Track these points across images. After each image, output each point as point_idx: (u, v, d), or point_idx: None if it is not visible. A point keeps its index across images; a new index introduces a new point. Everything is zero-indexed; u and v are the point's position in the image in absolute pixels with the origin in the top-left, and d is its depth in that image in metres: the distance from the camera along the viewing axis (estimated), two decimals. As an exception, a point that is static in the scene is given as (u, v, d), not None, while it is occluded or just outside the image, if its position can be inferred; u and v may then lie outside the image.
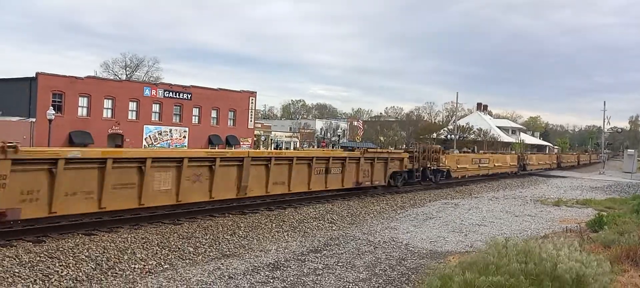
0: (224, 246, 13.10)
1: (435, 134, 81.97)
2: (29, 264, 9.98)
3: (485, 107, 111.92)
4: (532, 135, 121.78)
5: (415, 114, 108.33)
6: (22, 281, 9.28)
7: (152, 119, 52.10)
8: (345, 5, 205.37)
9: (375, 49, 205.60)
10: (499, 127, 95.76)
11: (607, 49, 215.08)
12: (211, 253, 12.42)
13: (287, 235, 14.97)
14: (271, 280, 10.21)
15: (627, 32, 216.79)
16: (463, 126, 78.74)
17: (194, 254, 12.19)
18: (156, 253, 11.79)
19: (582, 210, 23.43)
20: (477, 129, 79.71)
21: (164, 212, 15.05)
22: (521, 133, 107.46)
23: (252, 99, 62.19)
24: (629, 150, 65.77)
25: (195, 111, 55.71)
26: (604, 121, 70.55)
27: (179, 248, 12.32)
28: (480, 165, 38.41)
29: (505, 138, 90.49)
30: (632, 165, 54.06)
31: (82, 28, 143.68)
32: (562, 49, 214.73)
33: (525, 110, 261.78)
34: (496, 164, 41.32)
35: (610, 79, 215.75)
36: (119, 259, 11.04)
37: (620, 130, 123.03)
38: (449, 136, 73.82)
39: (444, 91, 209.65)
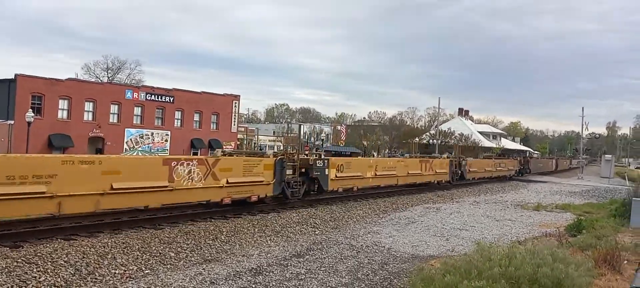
0: (206, 251, 13.01)
1: (417, 139, 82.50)
2: (6, 270, 9.78)
3: (467, 112, 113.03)
4: (513, 140, 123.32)
5: (398, 118, 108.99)
6: (-1, 287, 9.10)
7: (134, 122, 51.50)
8: (329, 10, 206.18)
9: (360, 53, 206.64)
10: (480, 132, 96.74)
11: (588, 55, 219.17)
12: (193, 259, 12.33)
13: (270, 240, 14.93)
14: (253, 286, 10.17)
15: (607, 38, 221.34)
16: (445, 131, 79.41)
17: (175, 259, 12.08)
18: (137, 258, 11.66)
19: (561, 215, 23.79)
20: (459, 133, 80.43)
21: (145, 216, 14.90)
22: (502, 138, 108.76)
23: (236, 103, 61.89)
24: (606, 155, 66.96)
25: (178, 114, 55.24)
26: (582, 127, 71.71)
27: (160, 253, 12.20)
28: (377, 173, 25.89)
29: (486, 143, 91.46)
30: (609, 170, 55.03)
31: (65, 30, 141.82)
32: (544, 55, 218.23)
33: (506, 116, 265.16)
34: (410, 172, 29.40)
35: (591, 85, 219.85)
36: (98, 264, 10.89)
37: (598, 136, 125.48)
38: (430, 141, 74.35)
39: (426, 96, 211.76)
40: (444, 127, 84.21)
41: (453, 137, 78.03)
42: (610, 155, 65.83)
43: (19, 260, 10.29)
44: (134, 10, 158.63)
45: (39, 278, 9.74)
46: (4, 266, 9.91)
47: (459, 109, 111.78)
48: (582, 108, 70.69)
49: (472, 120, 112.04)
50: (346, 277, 11.11)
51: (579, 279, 8.20)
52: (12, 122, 41.68)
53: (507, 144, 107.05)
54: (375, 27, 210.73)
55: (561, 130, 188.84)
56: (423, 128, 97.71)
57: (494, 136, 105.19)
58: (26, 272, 9.85)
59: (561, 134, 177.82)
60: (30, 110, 39.22)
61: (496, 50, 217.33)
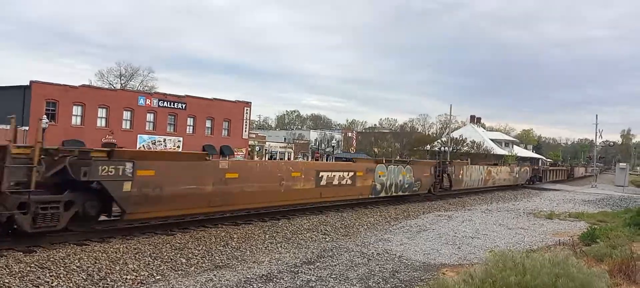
0: (217, 257, 13.02)
1: (428, 146, 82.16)
2: (19, 274, 9.87)
3: (479, 119, 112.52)
4: (525, 148, 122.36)
5: (409, 125, 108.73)
6: (12, 292, 9.17)
7: (146, 129, 51.94)
8: (336, 17, 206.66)
9: (368, 60, 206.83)
10: (492, 140, 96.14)
11: (599, 62, 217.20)
12: (204, 265, 12.35)
13: (281, 246, 14.91)
14: (264, 292, 10.15)
15: (618, 44, 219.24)
16: (456, 138, 79.03)
17: (186, 265, 12.11)
18: (148, 264, 11.71)
19: (575, 224, 23.51)
20: (471, 141, 79.98)
21: (157, 223, 14.96)
22: (514, 146, 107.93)
23: (247, 109, 62.18)
24: (620, 163, 66.20)
25: (190, 121, 55.60)
26: (596, 134, 70.99)
27: (171, 259, 12.24)
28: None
29: (498, 150, 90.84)
30: (624, 178, 54.38)
31: (75, 37, 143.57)
32: (554, 61, 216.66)
33: (518, 123, 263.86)
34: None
35: (602, 92, 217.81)
36: (110, 270, 10.95)
37: (612, 143, 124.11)
38: (442, 148, 74.06)
39: (437, 103, 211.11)
40: (455, 134, 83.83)
41: (465, 144, 77.58)
42: (625, 164, 65.03)
43: (33, 265, 10.37)
44: (143, 17, 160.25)
45: (52, 283, 9.81)
46: (17, 271, 10.00)
47: (471, 116, 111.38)
48: (596, 116, 70.31)
49: (484, 128, 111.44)
50: (357, 284, 11.06)
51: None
52: (26, 128, 42.19)
53: (520, 151, 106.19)
54: (384, 33, 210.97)
55: (574, 137, 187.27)
56: (434, 135, 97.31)
57: (506, 143, 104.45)
58: (39, 277, 9.93)
59: (574, 141, 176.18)
60: (45, 116, 39.74)
61: (506, 57, 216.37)
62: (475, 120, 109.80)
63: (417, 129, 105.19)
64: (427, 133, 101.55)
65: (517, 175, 46.60)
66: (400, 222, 21.14)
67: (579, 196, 42.37)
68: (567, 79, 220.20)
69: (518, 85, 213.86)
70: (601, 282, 8.31)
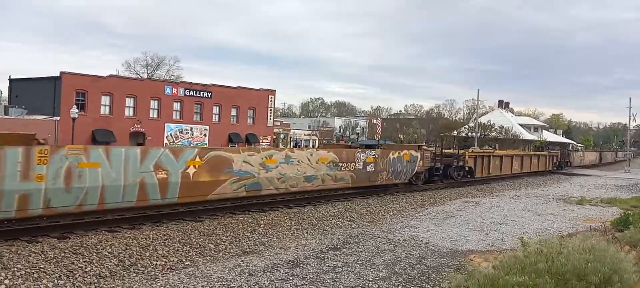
0: (244, 243, 13.18)
1: (455, 132, 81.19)
2: (54, 260, 10.17)
3: (507, 104, 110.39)
4: (555, 132, 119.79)
5: (436, 111, 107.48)
6: (47, 276, 9.46)
7: (173, 118, 52.61)
8: (359, 4, 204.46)
9: (392, 46, 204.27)
10: (520, 125, 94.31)
11: (629, 44, 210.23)
12: (232, 250, 12.51)
13: (307, 233, 14.99)
14: (291, 278, 10.24)
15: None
16: (484, 124, 77.80)
17: (214, 251, 12.29)
18: (177, 250, 11.92)
19: (607, 209, 22.97)
20: (499, 126, 78.65)
21: (186, 210, 15.21)
22: (544, 130, 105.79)
23: (271, 97, 62.39)
24: (655, 147, 64.21)
25: (216, 109, 56.09)
26: (629, 118, 68.95)
27: (200, 245, 12.44)
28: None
29: (527, 135, 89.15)
30: (658, 163, 52.76)
31: (101, 27, 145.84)
32: (582, 45, 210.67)
33: (547, 108, 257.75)
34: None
35: (632, 75, 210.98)
36: (141, 255, 11.19)
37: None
38: (469, 134, 73.04)
39: (464, 89, 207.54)
40: (483, 119, 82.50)
41: (493, 129, 76.35)
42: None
43: (66, 251, 10.68)
44: (166, 7, 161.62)
45: (85, 268, 10.09)
46: (52, 256, 10.30)
47: (499, 101, 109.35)
48: (629, 99, 68.03)
49: (513, 113, 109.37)
50: (383, 270, 11.05)
51: (628, 276, 7.87)
52: (57, 118, 43.24)
53: (549, 136, 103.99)
54: (407, 19, 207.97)
55: (606, 121, 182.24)
56: (461, 121, 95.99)
57: (535, 128, 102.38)
58: (73, 262, 10.21)
59: (606, 125, 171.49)
60: (75, 106, 40.62)
61: (533, 41, 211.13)
62: (503, 105, 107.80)
63: (444, 115, 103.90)
64: (454, 119, 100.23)
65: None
66: (427, 209, 21.00)
67: (611, 181, 41.35)
68: (594, 62, 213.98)
69: (546, 70, 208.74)
70: (631, 266, 8.11)
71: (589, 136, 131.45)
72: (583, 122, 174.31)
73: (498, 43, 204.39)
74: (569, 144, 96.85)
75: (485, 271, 8.59)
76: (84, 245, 11.13)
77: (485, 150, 40.37)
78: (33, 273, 9.47)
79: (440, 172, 28.87)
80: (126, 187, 12.90)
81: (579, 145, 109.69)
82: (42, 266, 9.80)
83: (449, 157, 30.54)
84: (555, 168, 47.49)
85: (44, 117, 43.39)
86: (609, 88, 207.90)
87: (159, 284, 9.68)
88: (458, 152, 32.48)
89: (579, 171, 51.97)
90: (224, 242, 13.02)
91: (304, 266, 11.13)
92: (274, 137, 64.31)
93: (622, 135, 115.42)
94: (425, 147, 29.50)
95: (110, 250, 11.13)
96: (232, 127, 57.32)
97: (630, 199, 27.46)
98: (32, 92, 46.55)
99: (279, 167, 17.43)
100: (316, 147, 28.58)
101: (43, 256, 10.25)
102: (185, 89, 53.58)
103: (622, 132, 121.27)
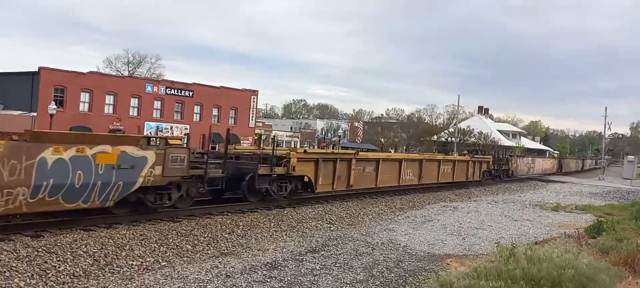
0: (222, 244, 13.10)
1: (435, 137, 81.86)
2: (27, 259, 9.98)
3: (487, 110, 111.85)
4: (533, 139, 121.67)
5: (416, 116, 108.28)
6: (20, 275, 9.29)
7: (154, 116, 52.14)
8: (344, 4, 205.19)
9: (375, 49, 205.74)
10: (499, 131, 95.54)
11: (608, 53, 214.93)
12: (209, 252, 12.43)
13: (286, 234, 14.97)
14: (268, 280, 10.22)
15: (628, 36, 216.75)
16: (464, 129, 78.66)
17: (192, 252, 12.19)
18: (154, 250, 11.80)
19: (581, 216, 23.41)
20: (478, 132, 79.59)
21: (164, 210, 15.05)
22: (522, 137, 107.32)
23: (254, 98, 62.23)
24: (629, 156, 65.65)
25: (197, 109, 55.74)
26: (604, 127, 70.36)
27: (177, 246, 12.33)
28: None
29: (505, 142, 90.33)
30: (632, 171, 53.99)
31: (84, 24, 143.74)
32: (562, 53, 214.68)
33: (526, 115, 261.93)
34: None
35: (611, 84, 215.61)
36: (116, 255, 11.05)
37: (621, 136, 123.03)
38: (449, 139, 73.73)
39: (445, 94, 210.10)
40: (463, 124, 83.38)
41: (472, 135, 77.25)
42: (633, 156, 64.50)
43: (40, 250, 10.49)
44: (150, 5, 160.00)
45: (59, 267, 9.92)
46: (25, 255, 10.11)
47: (479, 107, 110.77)
48: (605, 108, 69.42)
49: (492, 119, 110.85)
50: (361, 273, 11.09)
51: (604, 283, 8.03)
52: (35, 114, 42.48)
53: (527, 143, 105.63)
54: (391, 22, 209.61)
55: (582, 129, 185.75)
56: (441, 126, 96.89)
57: (514, 135, 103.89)
58: (46, 261, 10.04)
59: (582, 133, 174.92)
60: (53, 102, 39.97)
61: (513, 48, 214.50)
62: (483, 111, 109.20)
63: (424, 120, 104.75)
64: (434, 123, 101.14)
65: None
66: (406, 213, 21.14)
67: (586, 188, 42.16)
68: (575, 70, 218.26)
69: (526, 77, 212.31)
70: (606, 275, 8.28)
71: (565, 144, 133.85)
72: (560, 130, 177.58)
73: (479, 48, 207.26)
74: (511, 147, 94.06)
75: (462, 277, 8.69)
76: (58, 244, 10.94)
77: (344, 151, 29.51)
78: (4, 271, 9.28)
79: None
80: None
81: (555, 152, 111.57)
82: (14, 265, 9.61)
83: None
84: (484, 178, 36.89)
85: (20, 112, 42.58)
86: (588, 95, 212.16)
87: (134, 284, 9.57)
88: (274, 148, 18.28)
89: (555, 178, 52.81)
90: (201, 243, 12.93)
91: (282, 268, 11.12)
92: (256, 137, 64.12)
93: (597, 143, 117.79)
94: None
95: (85, 249, 10.96)
96: (214, 127, 56.96)
97: (604, 206, 28.04)
98: (8, 86, 45.65)
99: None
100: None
101: (15, 254, 10.05)
102: (167, 88, 53.17)
103: (598, 140, 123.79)
